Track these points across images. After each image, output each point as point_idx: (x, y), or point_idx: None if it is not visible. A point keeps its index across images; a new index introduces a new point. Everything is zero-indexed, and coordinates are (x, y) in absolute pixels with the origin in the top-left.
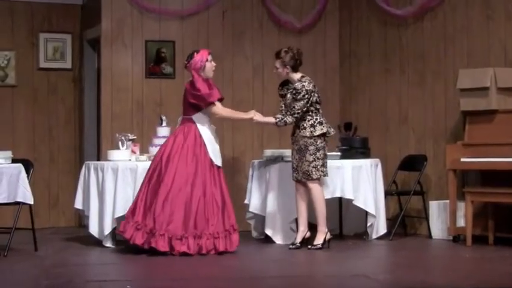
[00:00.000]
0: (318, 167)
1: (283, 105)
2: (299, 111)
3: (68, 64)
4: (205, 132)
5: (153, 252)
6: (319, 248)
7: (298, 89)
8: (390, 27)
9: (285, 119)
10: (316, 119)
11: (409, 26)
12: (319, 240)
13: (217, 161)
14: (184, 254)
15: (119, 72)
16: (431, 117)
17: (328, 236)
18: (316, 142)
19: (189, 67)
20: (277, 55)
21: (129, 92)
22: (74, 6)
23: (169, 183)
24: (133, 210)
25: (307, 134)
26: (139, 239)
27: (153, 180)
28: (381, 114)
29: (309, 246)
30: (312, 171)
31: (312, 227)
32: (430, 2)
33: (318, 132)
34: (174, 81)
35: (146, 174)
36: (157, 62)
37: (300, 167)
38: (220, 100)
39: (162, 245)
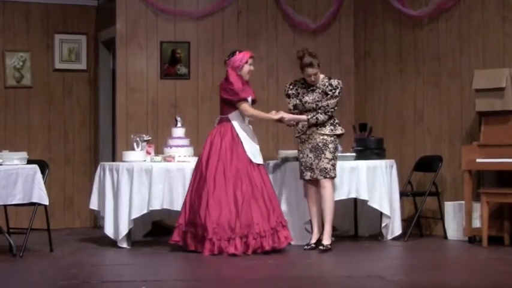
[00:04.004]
0: (335, 166)
1: (292, 106)
2: (333, 109)
3: (83, 65)
4: (242, 130)
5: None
6: (329, 249)
7: (334, 86)
8: (405, 28)
9: (317, 116)
10: (335, 119)
11: (424, 27)
12: (327, 240)
13: (256, 159)
14: (233, 255)
15: (134, 73)
16: (447, 118)
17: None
18: (336, 141)
19: (228, 63)
20: (311, 64)
21: (144, 93)
22: (89, 7)
23: (211, 186)
24: (182, 215)
25: (327, 131)
26: (190, 245)
27: (196, 183)
28: (396, 115)
29: (320, 247)
30: (330, 169)
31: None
32: (445, 2)
33: (338, 132)
34: (189, 82)
35: (192, 177)
36: (172, 63)
37: (317, 165)
38: (253, 102)
39: (210, 249)
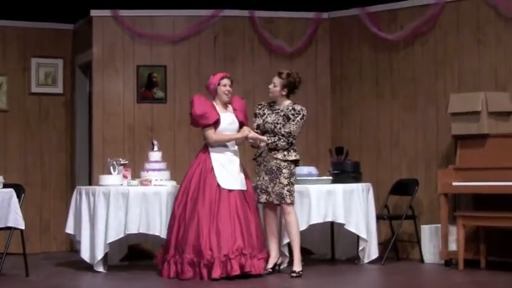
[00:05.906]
0: (292, 192)
1: (255, 126)
2: (294, 136)
3: (59, 89)
4: (216, 155)
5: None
6: (301, 275)
7: (297, 110)
8: (381, 52)
9: (278, 142)
10: (292, 145)
11: (400, 51)
12: (298, 266)
13: (226, 184)
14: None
15: (111, 97)
16: (423, 142)
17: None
18: (291, 167)
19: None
20: (280, 74)
21: (121, 116)
22: (66, 31)
23: (174, 212)
24: None
25: (280, 156)
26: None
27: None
28: (372, 138)
29: (292, 274)
30: (286, 195)
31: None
32: (421, 26)
33: (292, 158)
34: (166, 106)
35: None
36: (149, 87)
37: (273, 189)
38: (242, 125)
39: (167, 274)
